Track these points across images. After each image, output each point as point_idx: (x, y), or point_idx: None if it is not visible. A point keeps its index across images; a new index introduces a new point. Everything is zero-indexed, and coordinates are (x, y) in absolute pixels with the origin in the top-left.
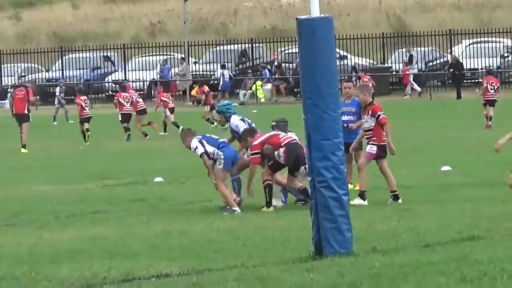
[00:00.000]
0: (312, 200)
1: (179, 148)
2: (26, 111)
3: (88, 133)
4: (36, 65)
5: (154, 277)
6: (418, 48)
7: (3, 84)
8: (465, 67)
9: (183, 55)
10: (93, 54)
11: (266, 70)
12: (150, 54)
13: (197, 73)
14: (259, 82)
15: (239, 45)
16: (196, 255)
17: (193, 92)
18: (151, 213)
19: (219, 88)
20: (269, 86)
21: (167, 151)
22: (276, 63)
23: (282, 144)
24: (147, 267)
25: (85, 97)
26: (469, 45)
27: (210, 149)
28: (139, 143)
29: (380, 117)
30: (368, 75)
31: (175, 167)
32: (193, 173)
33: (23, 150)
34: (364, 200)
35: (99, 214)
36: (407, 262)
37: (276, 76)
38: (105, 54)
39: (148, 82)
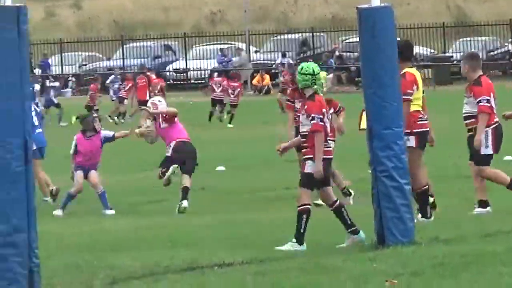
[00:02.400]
0: (374, 189)
1: (240, 137)
2: (148, 98)
3: (221, 115)
4: (97, 54)
5: (217, 266)
6: (479, 38)
7: (64, 73)
8: None
9: (239, 46)
10: (154, 43)
11: (332, 60)
12: (211, 43)
13: (258, 61)
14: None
15: (300, 34)
16: (259, 244)
17: (255, 81)
18: (212, 202)
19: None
20: (330, 75)
21: (229, 140)
22: (337, 53)
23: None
24: (210, 256)
25: (219, 79)
26: None
27: None
28: (202, 132)
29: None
30: None
31: (237, 155)
32: (256, 161)
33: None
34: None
35: (160, 203)
36: (469, 251)
37: (337, 65)
38: (165, 43)
39: (209, 71)
